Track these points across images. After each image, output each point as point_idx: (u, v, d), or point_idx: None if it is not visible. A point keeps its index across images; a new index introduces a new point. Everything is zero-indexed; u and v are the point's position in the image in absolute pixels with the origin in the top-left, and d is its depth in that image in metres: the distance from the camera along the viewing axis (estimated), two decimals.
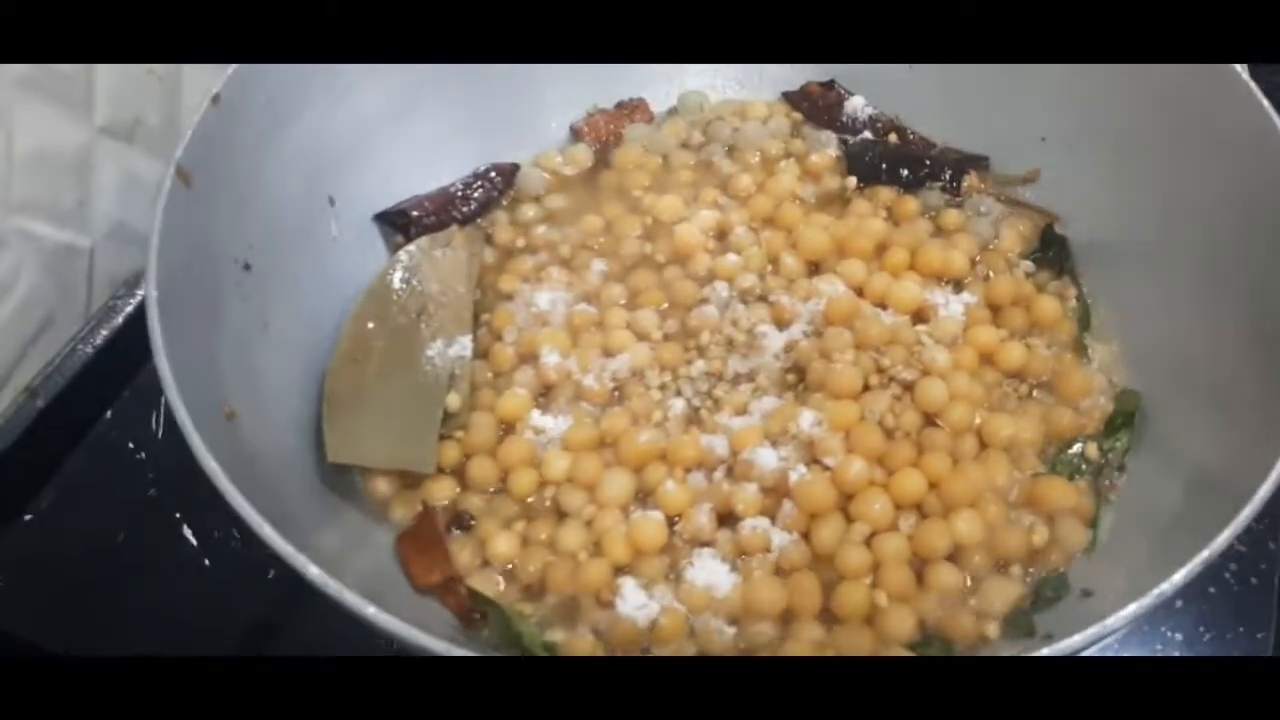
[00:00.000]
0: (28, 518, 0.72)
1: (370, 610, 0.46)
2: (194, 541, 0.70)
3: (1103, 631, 0.47)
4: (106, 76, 0.80)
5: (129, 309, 0.82)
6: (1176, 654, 0.66)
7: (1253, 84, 0.65)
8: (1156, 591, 0.48)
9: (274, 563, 0.64)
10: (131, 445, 0.76)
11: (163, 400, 0.63)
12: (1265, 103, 0.64)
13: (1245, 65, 0.82)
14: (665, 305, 0.74)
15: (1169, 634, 0.67)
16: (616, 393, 0.70)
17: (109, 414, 0.77)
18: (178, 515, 0.71)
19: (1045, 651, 0.47)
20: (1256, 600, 0.69)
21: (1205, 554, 0.49)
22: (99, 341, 0.80)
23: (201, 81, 0.64)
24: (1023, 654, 0.51)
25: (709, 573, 0.61)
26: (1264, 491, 0.51)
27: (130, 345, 0.80)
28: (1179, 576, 0.48)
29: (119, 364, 0.79)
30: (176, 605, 0.68)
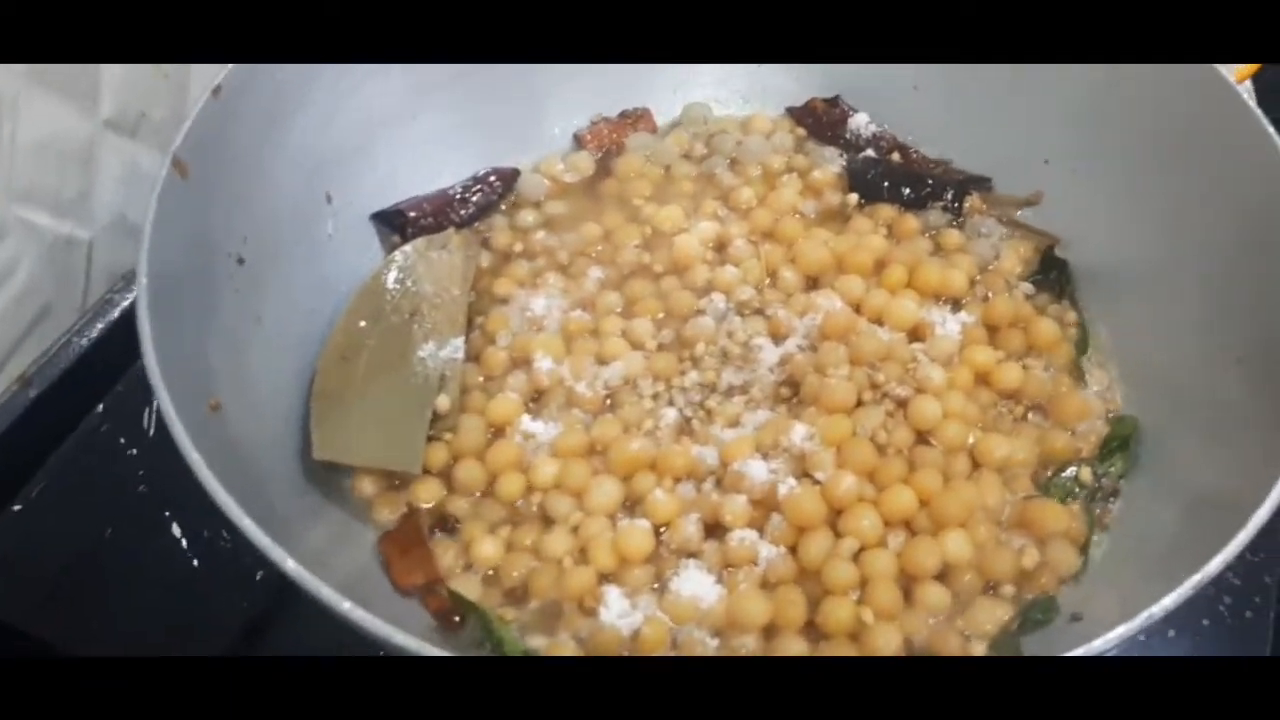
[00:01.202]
0: (16, 508, 0.71)
1: (345, 606, 0.45)
2: (182, 540, 0.70)
3: (1088, 653, 0.46)
4: (113, 70, 0.81)
5: (125, 303, 0.82)
6: None
7: (1259, 112, 0.64)
8: (1146, 614, 0.47)
9: (262, 564, 0.64)
10: (123, 441, 0.75)
11: (154, 398, 0.63)
12: (1271, 131, 0.63)
13: (1253, 95, 0.82)
14: (661, 315, 0.74)
15: None
16: (608, 400, 0.69)
17: (101, 408, 0.77)
18: (167, 513, 0.71)
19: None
20: (1251, 634, 0.68)
21: (1197, 578, 0.48)
22: (94, 334, 0.80)
23: (208, 78, 0.64)
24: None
25: (694, 584, 0.60)
26: (1260, 516, 0.51)
27: (125, 340, 0.78)
28: (1169, 599, 0.48)
29: (113, 358, 0.78)
30: (162, 603, 0.67)
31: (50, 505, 0.72)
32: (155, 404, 0.74)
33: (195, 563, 0.69)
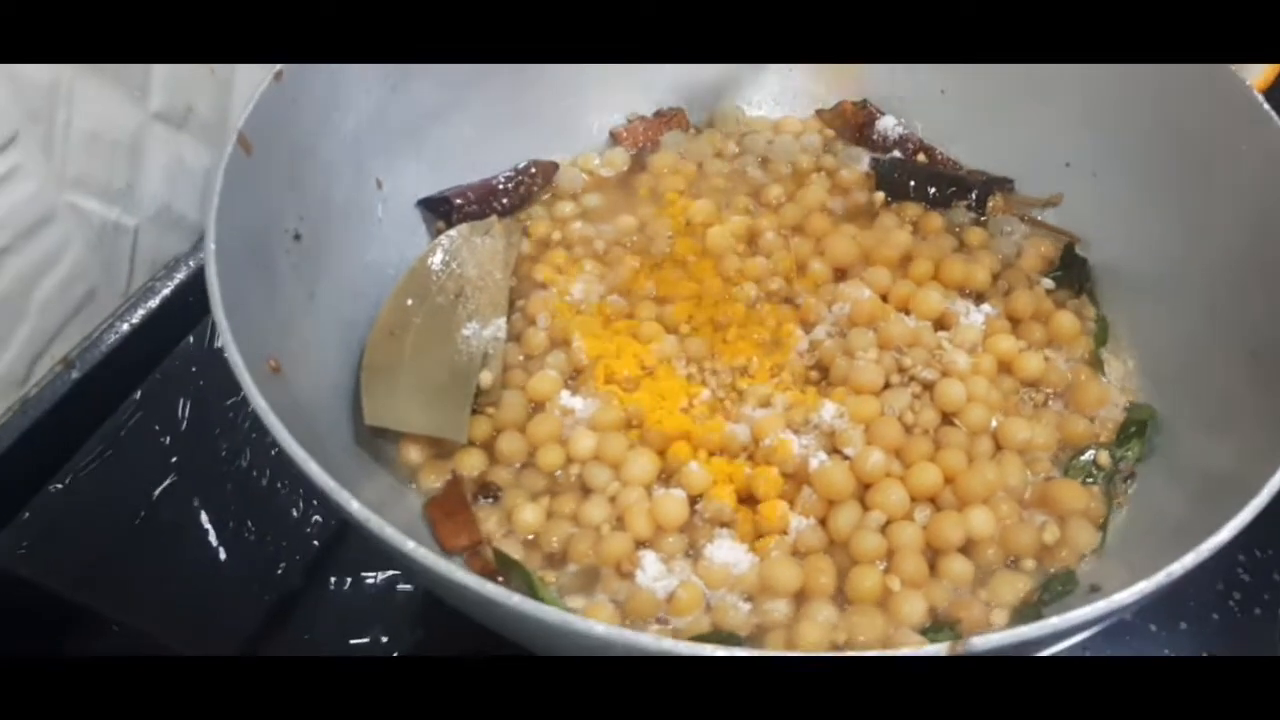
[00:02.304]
0: (55, 488, 0.74)
1: (410, 545, 0.47)
2: (211, 531, 0.72)
3: (1110, 607, 0.48)
4: (163, 65, 0.83)
5: (166, 291, 0.84)
6: None
7: (1277, 118, 0.66)
8: (1165, 571, 0.49)
9: (285, 555, 0.66)
10: (157, 428, 0.77)
11: (190, 389, 0.64)
12: None
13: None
14: (695, 301, 0.76)
15: None
16: (644, 379, 0.71)
17: (138, 394, 0.79)
18: (196, 503, 0.73)
19: (1051, 649, 0.48)
20: (1260, 630, 0.69)
21: (1217, 539, 0.50)
22: (136, 321, 0.83)
23: (254, 75, 0.66)
24: (1027, 647, 0.51)
25: (727, 551, 0.62)
26: (1267, 492, 0.51)
27: (166, 328, 0.83)
28: (1188, 558, 0.49)
29: (153, 346, 0.81)
30: (187, 590, 0.69)
31: (86, 488, 0.74)
32: (191, 395, 0.78)
33: (221, 553, 0.71)
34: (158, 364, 0.81)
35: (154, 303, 0.84)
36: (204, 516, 0.72)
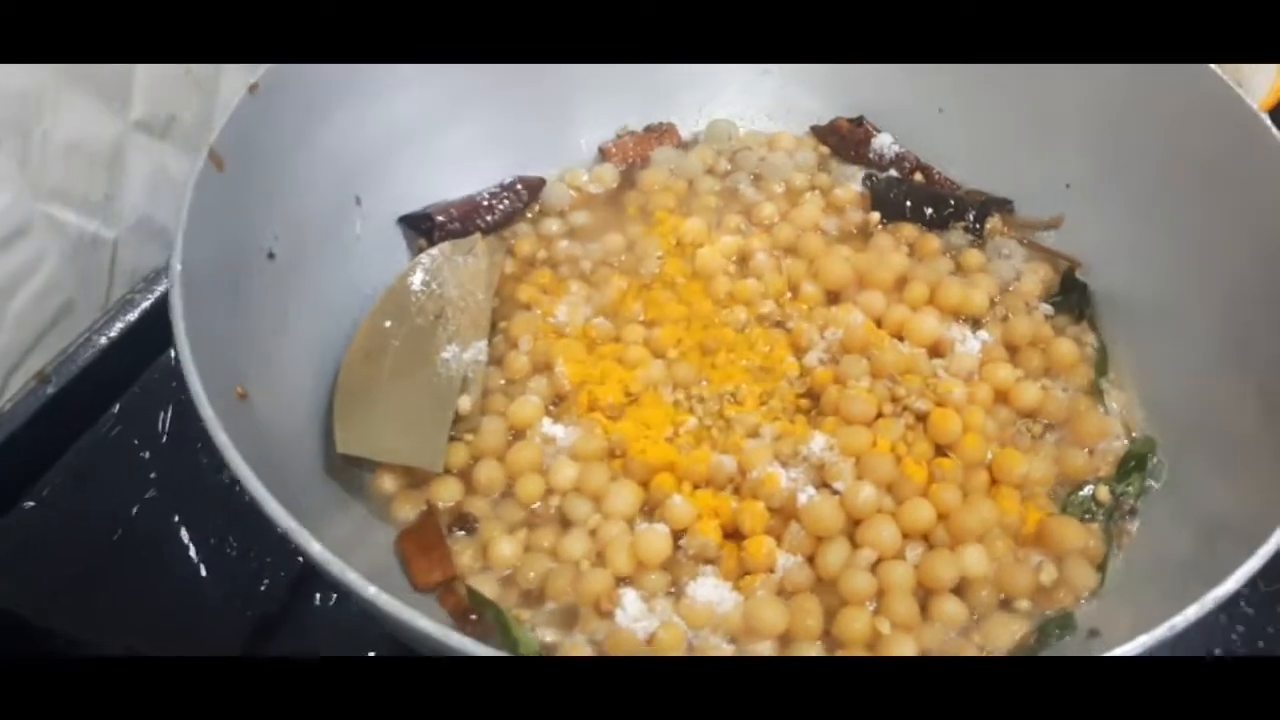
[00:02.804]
0: (28, 504, 0.72)
1: (371, 591, 0.45)
2: (191, 547, 0.70)
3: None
4: (145, 72, 0.82)
5: (146, 304, 0.82)
6: None
7: None
8: (1167, 624, 0.47)
9: (268, 571, 0.64)
10: (136, 443, 0.75)
11: (170, 402, 0.63)
12: None
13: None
14: (683, 324, 0.74)
15: None
16: (628, 407, 0.69)
17: (117, 408, 0.77)
18: (176, 519, 0.71)
19: None
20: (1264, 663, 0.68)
21: (1218, 591, 0.48)
22: (114, 334, 0.80)
23: (238, 82, 0.65)
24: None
25: (711, 590, 0.60)
26: (1276, 538, 0.50)
27: (145, 341, 0.80)
28: (1191, 610, 0.47)
29: (132, 359, 0.79)
30: (168, 608, 0.67)
31: (62, 504, 0.72)
32: (170, 408, 0.76)
33: (202, 569, 0.69)
34: (137, 377, 0.79)
35: (134, 315, 0.82)
36: (184, 532, 0.70)
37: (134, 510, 0.71)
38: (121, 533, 0.70)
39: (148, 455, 0.74)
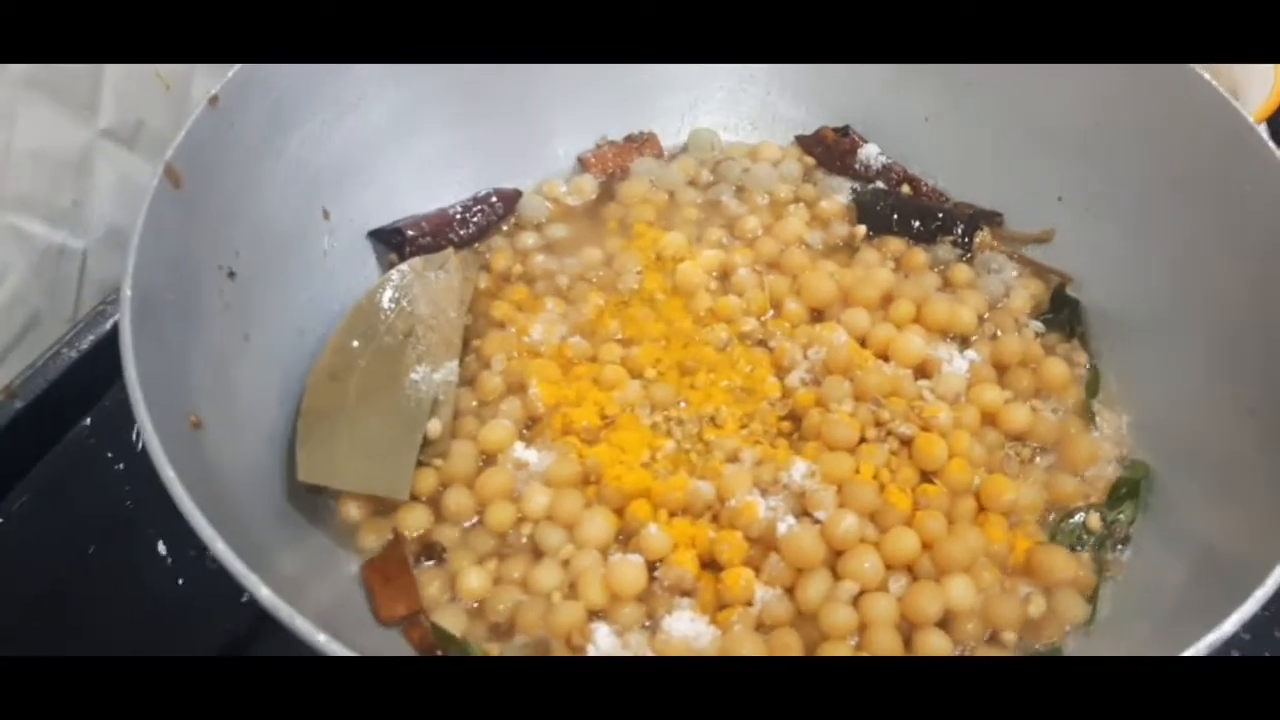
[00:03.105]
0: None
1: (320, 638, 0.43)
2: (168, 559, 0.68)
3: None
4: (113, 79, 0.80)
5: (117, 316, 0.80)
6: None
7: (1278, 152, 0.63)
8: None
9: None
10: (110, 455, 0.74)
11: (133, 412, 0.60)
12: None
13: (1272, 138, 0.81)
14: (662, 343, 0.72)
15: None
16: (604, 430, 0.67)
17: (88, 420, 0.76)
18: (152, 531, 0.69)
19: None
20: None
21: (1211, 638, 0.46)
22: (84, 346, 0.78)
23: (209, 88, 0.63)
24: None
25: (687, 624, 0.58)
26: (1276, 576, 0.49)
27: (116, 353, 0.78)
28: (1188, 653, 0.46)
29: (103, 371, 0.77)
30: (145, 623, 0.66)
31: (33, 520, 0.70)
32: None
33: (180, 582, 0.67)
34: (108, 389, 0.77)
35: (105, 326, 0.80)
36: (161, 546, 0.69)
37: (108, 524, 0.70)
38: (95, 548, 0.69)
39: (122, 467, 0.73)
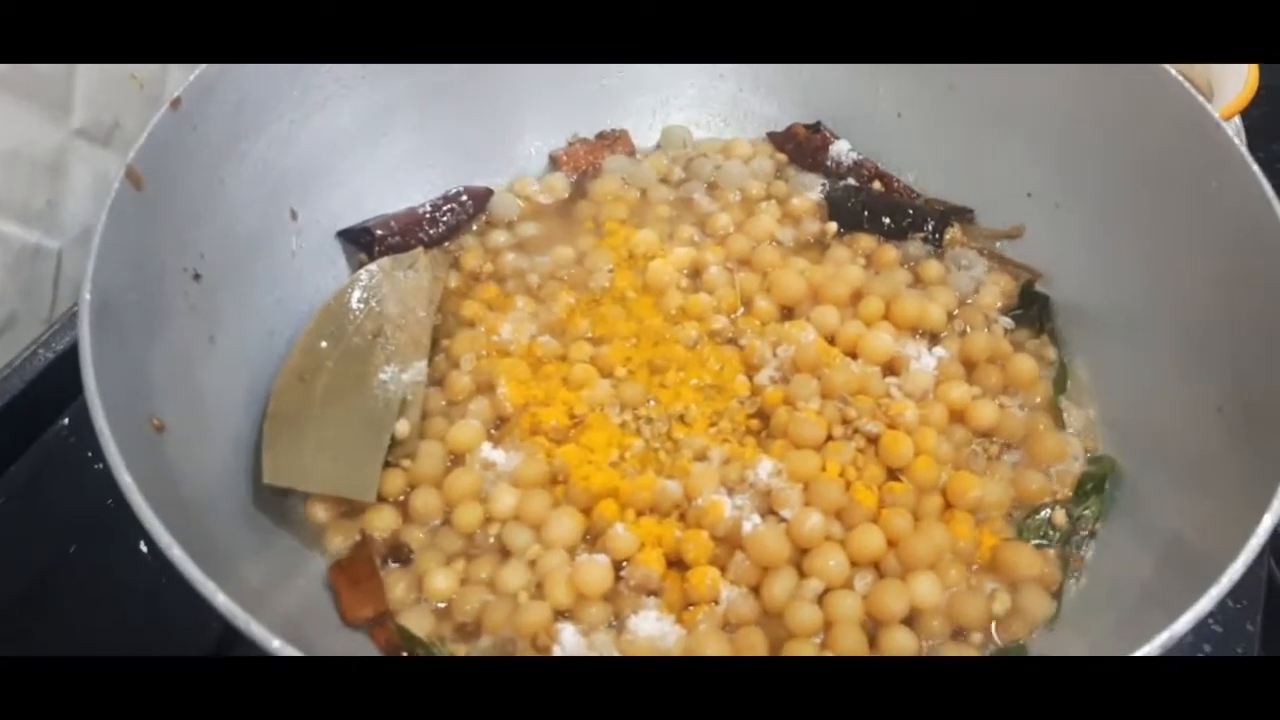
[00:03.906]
0: None
1: (275, 644, 0.43)
2: (151, 558, 0.66)
3: None
4: (86, 79, 0.79)
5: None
6: None
7: (1244, 150, 0.63)
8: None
9: None
10: (90, 454, 0.73)
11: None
12: (1255, 169, 0.62)
13: (1243, 136, 0.81)
14: (632, 342, 0.71)
15: None
16: (573, 430, 0.67)
17: (66, 420, 0.75)
18: (134, 530, 0.67)
19: None
20: None
21: (1165, 635, 0.46)
22: (60, 347, 0.78)
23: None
24: None
25: (653, 624, 0.58)
26: (1234, 572, 0.49)
27: None
28: (1148, 649, 0.46)
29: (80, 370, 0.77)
30: (128, 622, 0.66)
31: (12, 520, 0.70)
32: None
33: (163, 580, 0.66)
34: None
35: None
36: (143, 545, 0.67)
37: (89, 523, 0.69)
38: (76, 547, 0.69)
39: (101, 466, 0.71)
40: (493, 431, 0.67)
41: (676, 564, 0.61)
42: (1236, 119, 0.82)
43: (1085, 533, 0.64)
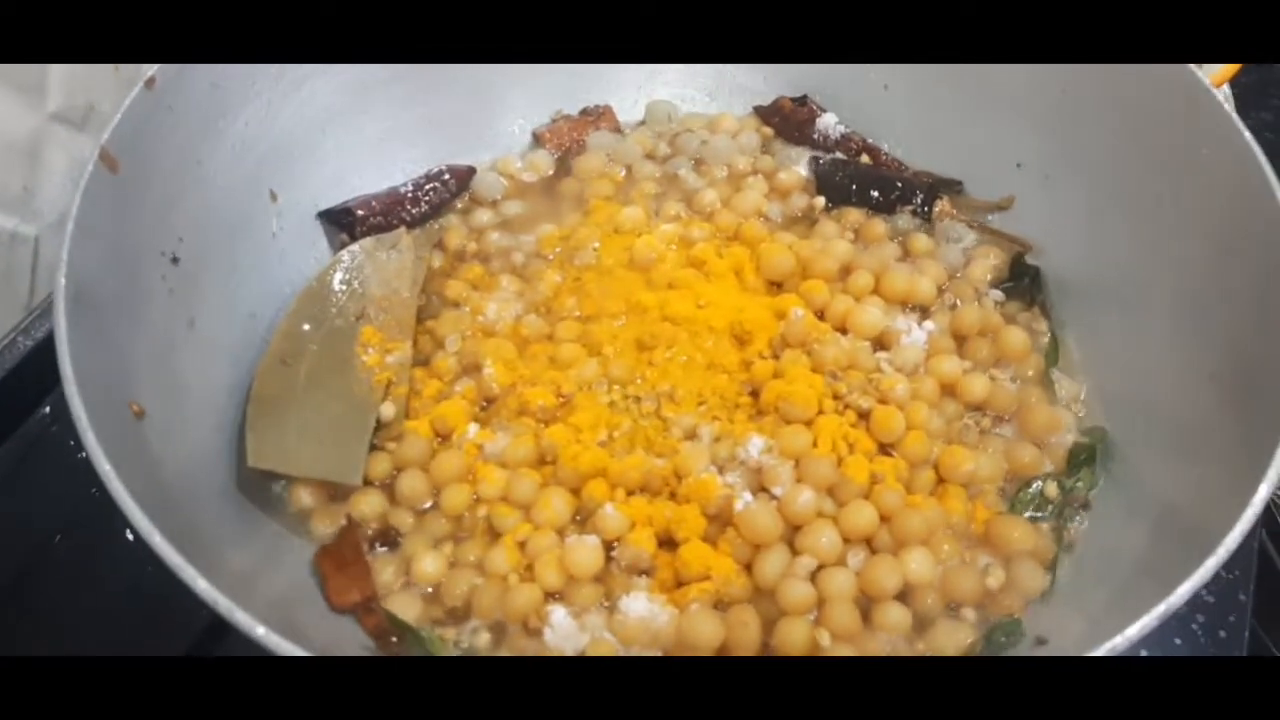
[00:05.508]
0: None
1: (260, 630, 0.42)
2: (135, 546, 0.66)
3: None
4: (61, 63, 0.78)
5: None
6: None
7: (1236, 117, 0.62)
8: (1109, 645, 0.45)
9: None
10: (73, 443, 0.71)
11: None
12: (1248, 136, 0.61)
13: (1231, 100, 0.80)
14: (620, 320, 0.70)
15: None
16: (561, 410, 0.66)
17: (47, 409, 0.74)
18: (119, 519, 0.67)
19: None
20: (1225, 653, 0.66)
21: (1162, 607, 0.46)
22: (40, 334, 0.77)
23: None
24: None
25: (644, 605, 0.57)
26: (1229, 542, 0.49)
27: None
28: (1134, 630, 0.46)
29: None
30: (114, 612, 0.65)
31: None
32: None
33: (149, 569, 0.66)
34: None
35: None
36: (129, 533, 0.66)
37: (74, 513, 0.68)
38: (60, 537, 0.68)
39: (84, 455, 0.71)
40: (479, 412, 0.66)
41: (667, 543, 0.61)
42: (1225, 86, 0.81)
43: (1078, 505, 0.63)
